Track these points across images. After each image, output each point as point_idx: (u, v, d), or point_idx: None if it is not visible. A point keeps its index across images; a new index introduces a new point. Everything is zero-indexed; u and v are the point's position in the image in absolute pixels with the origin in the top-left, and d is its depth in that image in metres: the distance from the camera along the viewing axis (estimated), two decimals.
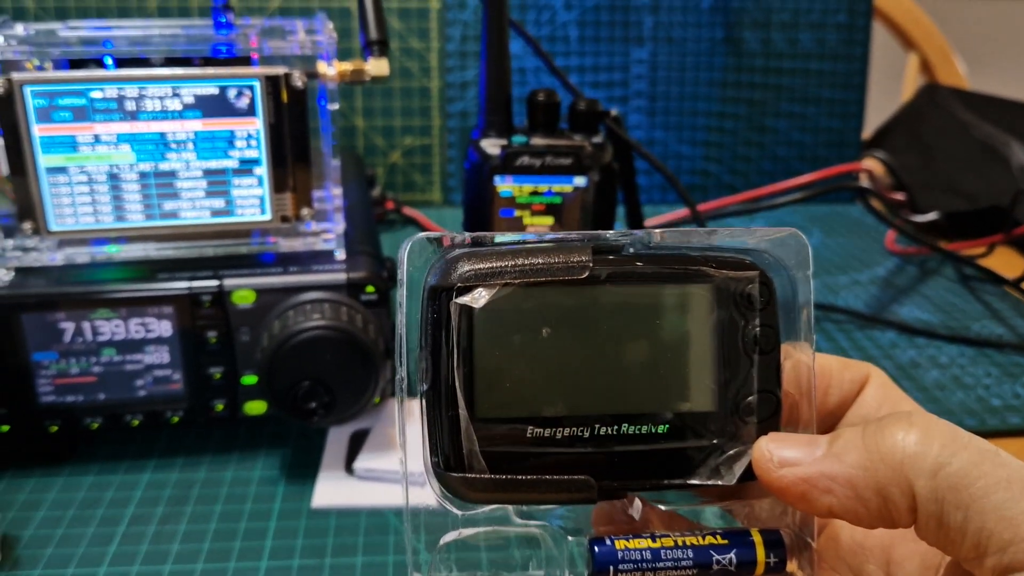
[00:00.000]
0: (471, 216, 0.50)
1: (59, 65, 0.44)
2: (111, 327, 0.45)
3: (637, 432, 0.27)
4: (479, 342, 0.26)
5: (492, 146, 0.48)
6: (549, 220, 0.49)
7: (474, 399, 0.26)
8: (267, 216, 0.47)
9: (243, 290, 0.45)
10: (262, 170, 0.46)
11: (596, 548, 0.26)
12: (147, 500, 0.45)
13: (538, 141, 0.48)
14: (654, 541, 0.27)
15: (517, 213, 0.49)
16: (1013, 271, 0.70)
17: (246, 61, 0.46)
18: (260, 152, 0.46)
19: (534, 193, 0.49)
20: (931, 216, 0.75)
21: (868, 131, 0.95)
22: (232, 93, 0.45)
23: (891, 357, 0.60)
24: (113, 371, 0.46)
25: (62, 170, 0.44)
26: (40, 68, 0.44)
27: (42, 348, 0.45)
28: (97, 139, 0.44)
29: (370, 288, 0.46)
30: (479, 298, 0.26)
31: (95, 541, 0.42)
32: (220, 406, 0.47)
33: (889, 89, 1.14)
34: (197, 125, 0.45)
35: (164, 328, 0.46)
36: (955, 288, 0.72)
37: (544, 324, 0.26)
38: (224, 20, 0.48)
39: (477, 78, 0.84)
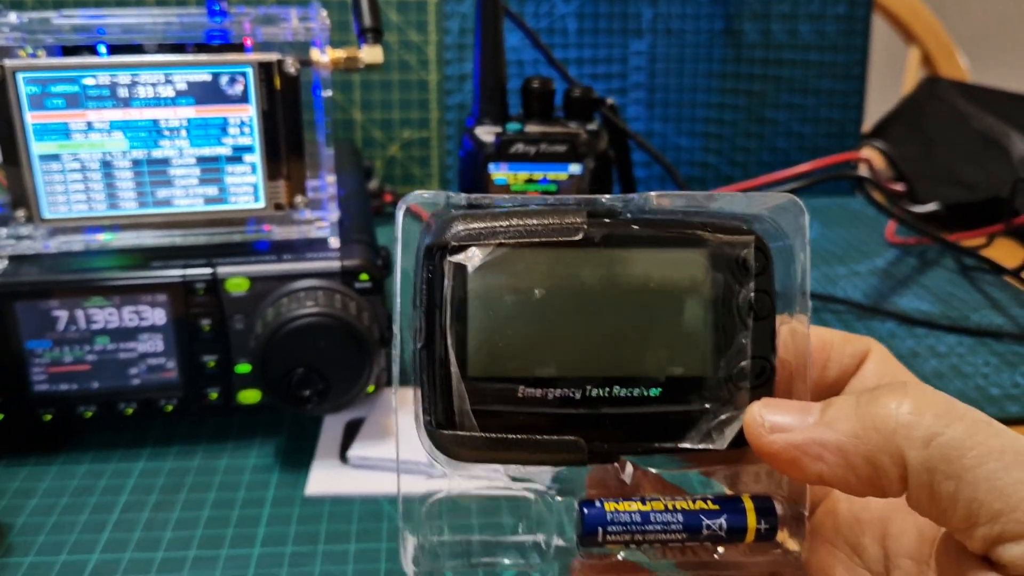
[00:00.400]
0: None
1: (52, 52, 0.44)
2: (105, 315, 0.45)
3: (629, 395, 0.26)
4: (472, 301, 0.26)
5: (486, 134, 0.48)
6: None
7: (466, 358, 0.26)
8: (261, 204, 0.47)
9: (237, 278, 0.45)
10: (255, 157, 0.46)
11: (585, 510, 0.26)
12: (140, 488, 0.45)
13: (533, 128, 0.48)
14: (644, 504, 0.26)
15: None
16: (1013, 261, 0.69)
17: (239, 48, 0.46)
18: (253, 139, 0.46)
19: (529, 181, 0.48)
20: (931, 207, 0.74)
21: (870, 125, 0.95)
22: (225, 80, 0.44)
23: (890, 347, 0.59)
24: (107, 359, 0.46)
25: (55, 157, 0.44)
26: (33, 55, 0.44)
27: (36, 336, 0.45)
28: (90, 126, 0.44)
29: (364, 276, 0.46)
30: (473, 257, 0.26)
31: (88, 528, 0.42)
32: (214, 394, 0.47)
33: (890, 83, 1.14)
34: (190, 112, 0.45)
35: (158, 316, 0.46)
36: (954, 278, 0.71)
37: (537, 285, 0.26)
38: (218, 8, 0.48)
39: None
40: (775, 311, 0.27)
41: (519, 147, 0.48)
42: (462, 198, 0.27)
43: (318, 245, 0.48)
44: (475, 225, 0.26)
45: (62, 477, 0.46)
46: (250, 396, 0.47)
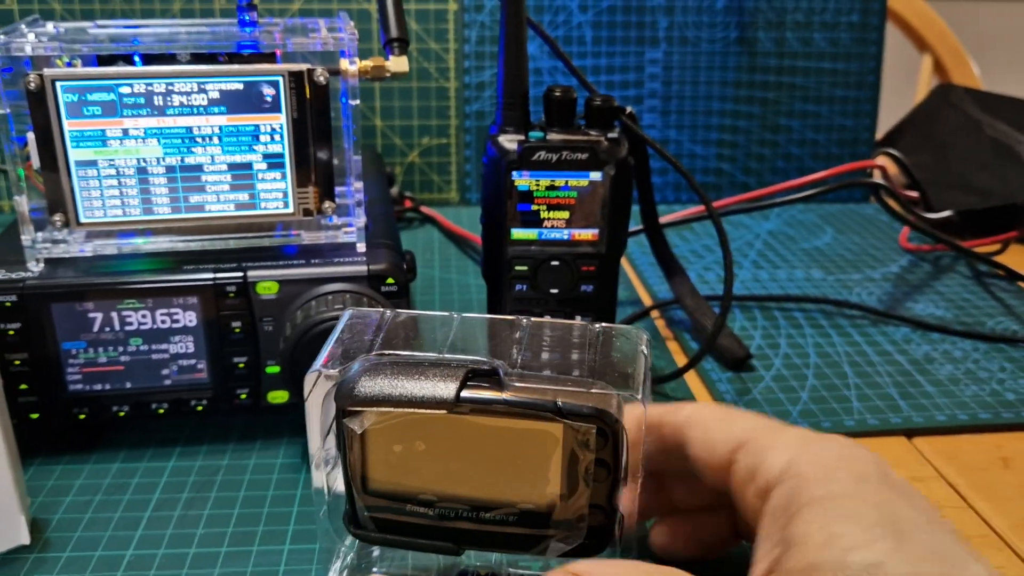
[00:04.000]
0: (489, 211, 0.51)
1: (88, 62, 0.46)
2: (138, 317, 0.46)
3: (492, 518, 0.34)
4: (368, 448, 0.34)
5: (509, 141, 0.49)
6: (565, 214, 0.50)
7: (367, 481, 0.34)
8: (290, 209, 0.48)
9: (267, 281, 0.46)
10: (285, 164, 0.47)
11: None
12: (172, 486, 0.46)
13: (554, 136, 0.49)
14: None
15: (534, 207, 0.50)
16: None
17: (270, 58, 0.47)
18: (284, 147, 0.47)
19: (551, 187, 0.49)
20: (945, 214, 0.75)
21: (882, 132, 0.96)
22: (257, 89, 0.46)
23: (905, 352, 0.61)
24: (140, 360, 0.47)
25: (91, 164, 0.46)
26: (69, 65, 0.46)
27: (71, 337, 0.46)
28: (126, 133, 0.45)
29: (390, 280, 0.47)
30: (365, 421, 0.33)
31: (122, 525, 0.43)
32: (244, 395, 0.48)
33: (903, 91, 1.14)
34: (222, 120, 0.46)
35: (189, 318, 0.47)
36: (969, 285, 0.72)
37: (418, 439, 0.33)
38: (248, 19, 0.49)
39: (494, 79, 0.85)
40: (615, 472, 0.33)
41: (541, 155, 0.49)
42: (366, 357, 0.34)
43: (345, 250, 0.49)
44: (367, 391, 0.33)
45: (95, 475, 0.47)
46: (278, 396, 0.49)
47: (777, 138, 0.90)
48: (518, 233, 0.50)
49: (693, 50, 0.87)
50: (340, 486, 0.36)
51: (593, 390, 0.33)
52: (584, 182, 0.49)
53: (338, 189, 0.49)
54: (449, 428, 0.33)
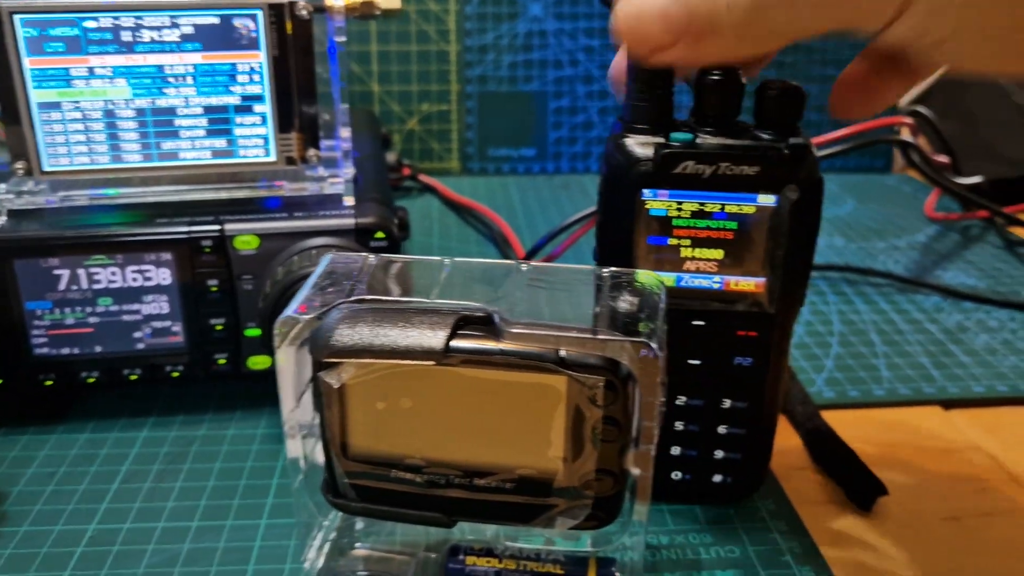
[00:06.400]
0: (608, 243, 0.36)
1: None
2: (108, 275, 0.43)
3: (486, 485, 0.31)
4: (349, 406, 0.30)
5: (642, 144, 0.34)
6: (718, 254, 0.35)
7: (347, 444, 0.31)
8: (271, 158, 0.44)
9: (245, 235, 0.43)
10: (265, 108, 0.44)
11: (449, 564, 0.33)
12: (143, 457, 0.42)
13: (708, 139, 0.34)
14: (500, 562, 0.33)
15: (672, 241, 0.35)
16: None
17: None
18: (264, 88, 0.43)
19: (699, 214, 0.35)
20: (975, 179, 0.71)
21: (904, 101, 0.91)
22: (234, 23, 0.42)
23: (936, 321, 0.57)
24: (110, 322, 0.43)
25: (55, 106, 0.42)
26: None
27: (36, 297, 0.42)
28: (91, 72, 0.42)
29: (380, 234, 0.44)
30: (344, 374, 0.29)
31: (86, 498, 0.40)
32: (222, 360, 0.45)
33: None
34: (197, 58, 0.42)
35: (163, 276, 0.43)
36: (1001, 254, 0.68)
37: (404, 395, 0.30)
38: None
39: (497, 41, 0.81)
40: (626, 433, 0.29)
41: (689, 165, 0.34)
42: (344, 304, 0.30)
43: (331, 202, 0.45)
44: (346, 341, 0.29)
45: (62, 446, 0.43)
46: (260, 362, 0.45)
47: None
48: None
49: None
50: (319, 455, 0.32)
51: (601, 337, 0.29)
52: (750, 208, 0.34)
53: (326, 143, 0.45)
54: (438, 383, 0.29)
